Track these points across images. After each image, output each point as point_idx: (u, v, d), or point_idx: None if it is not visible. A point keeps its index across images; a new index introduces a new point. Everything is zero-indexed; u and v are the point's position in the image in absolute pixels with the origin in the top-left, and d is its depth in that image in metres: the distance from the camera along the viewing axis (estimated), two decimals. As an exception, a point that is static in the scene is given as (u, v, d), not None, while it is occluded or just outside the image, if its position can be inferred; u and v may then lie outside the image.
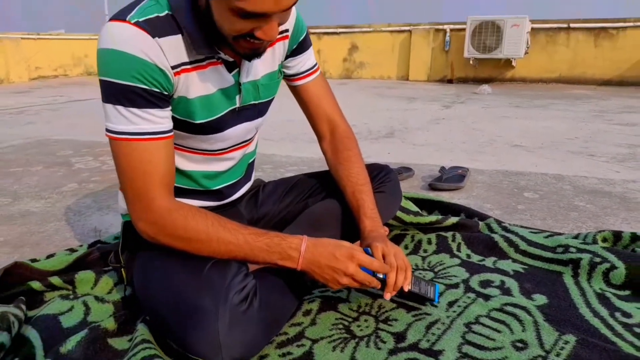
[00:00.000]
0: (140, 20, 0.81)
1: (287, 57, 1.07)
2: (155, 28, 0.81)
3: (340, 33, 8.17)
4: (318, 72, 1.14)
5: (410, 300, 1.05)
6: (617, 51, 6.37)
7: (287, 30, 1.03)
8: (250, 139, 1.10)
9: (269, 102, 1.07)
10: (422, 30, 7.42)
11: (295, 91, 1.14)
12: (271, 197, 1.23)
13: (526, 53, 6.56)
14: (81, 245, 1.38)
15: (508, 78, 6.99)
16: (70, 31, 9.79)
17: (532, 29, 6.60)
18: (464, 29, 6.84)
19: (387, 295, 0.95)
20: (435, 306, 1.04)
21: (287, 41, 1.04)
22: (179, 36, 0.84)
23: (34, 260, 1.22)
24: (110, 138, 0.85)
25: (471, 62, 6.93)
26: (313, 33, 8.16)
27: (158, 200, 0.86)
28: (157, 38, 0.81)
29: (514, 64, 6.79)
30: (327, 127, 1.16)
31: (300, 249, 0.87)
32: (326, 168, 1.21)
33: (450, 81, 7.32)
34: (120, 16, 0.81)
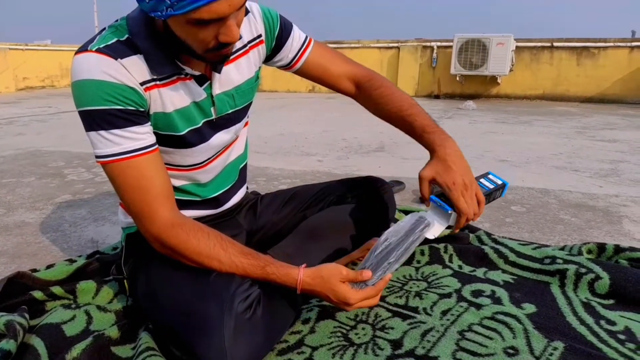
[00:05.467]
0: (101, 46, 0.84)
1: (269, 56, 1.09)
2: (116, 51, 0.84)
3: (329, 48, 8.27)
4: (312, 44, 1.12)
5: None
6: (598, 70, 6.57)
7: (260, 36, 1.04)
8: (230, 144, 1.10)
9: (247, 107, 1.08)
10: (410, 46, 7.57)
11: (301, 72, 1.14)
12: (269, 209, 1.26)
13: (511, 70, 6.72)
14: (80, 256, 1.39)
15: (493, 94, 7.15)
16: (57, 43, 9.77)
17: (517, 47, 6.79)
18: (450, 47, 7.00)
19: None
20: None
21: (262, 46, 1.06)
22: (141, 56, 0.87)
23: (34, 271, 1.24)
24: (101, 164, 0.88)
25: (457, 78, 7.08)
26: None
27: (160, 214, 0.89)
28: (119, 59, 0.84)
29: (499, 80, 6.95)
30: (350, 83, 1.15)
31: (297, 288, 0.90)
32: (320, 180, 1.24)
33: (437, 97, 7.46)
34: (82, 48, 0.85)
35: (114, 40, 0.86)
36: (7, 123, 4.47)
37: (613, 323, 1.05)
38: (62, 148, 3.23)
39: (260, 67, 1.09)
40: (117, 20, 0.90)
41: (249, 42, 1.03)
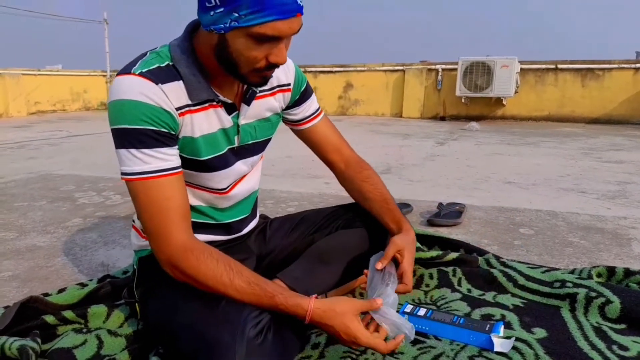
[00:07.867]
0: (144, 71, 0.90)
1: (289, 107, 1.17)
2: (157, 76, 0.90)
3: (335, 72, 8.39)
4: (322, 115, 1.24)
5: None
6: (603, 91, 6.60)
7: (289, 84, 1.13)
8: (246, 174, 1.14)
9: (266, 142, 1.15)
10: (415, 69, 7.66)
11: (303, 134, 1.23)
12: (279, 233, 1.27)
13: (516, 92, 6.77)
14: (91, 280, 1.40)
15: (499, 116, 7.18)
16: (68, 67, 9.96)
17: (522, 69, 6.84)
18: (455, 69, 7.07)
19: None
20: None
21: (288, 93, 1.14)
22: (180, 82, 0.93)
23: (46, 295, 1.25)
24: (126, 181, 0.91)
25: (463, 100, 7.14)
26: (310, 72, 8.37)
27: (175, 236, 0.90)
28: (160, 84, 0.90)
29: (504, 102, 7.00)
30: (339, 157, 1.26)
31: (306, 318, 0.89)
32: (327, 203, 1.26)
33: (442, 118, 7.51)
34: (125, 70, 0.91)
35: (155, 66, 0.91)
36: (19, 147, 4.54)
37: (626, 348, 1.05)
38: (73, 172, 3.28)
39: (282, 111, 1.16)
40: (158, 47, 0.96)
41: (279, 85, 1.11)
